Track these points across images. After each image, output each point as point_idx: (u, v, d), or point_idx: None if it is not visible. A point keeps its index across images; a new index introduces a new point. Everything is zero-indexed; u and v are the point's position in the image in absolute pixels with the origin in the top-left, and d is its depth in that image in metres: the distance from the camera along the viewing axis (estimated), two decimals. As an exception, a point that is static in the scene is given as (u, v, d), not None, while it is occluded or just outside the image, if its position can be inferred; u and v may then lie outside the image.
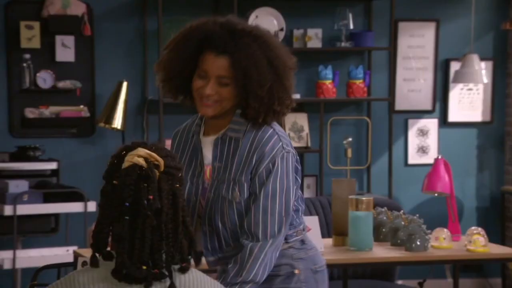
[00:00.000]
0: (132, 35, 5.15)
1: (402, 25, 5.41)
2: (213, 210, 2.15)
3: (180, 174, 1.85)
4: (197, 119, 2.24)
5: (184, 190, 1.92)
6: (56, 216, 4.76)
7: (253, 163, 2.11)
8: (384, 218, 3.80)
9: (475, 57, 5.14)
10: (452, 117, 5.53)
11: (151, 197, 1.77)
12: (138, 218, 1.78)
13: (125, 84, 4.98)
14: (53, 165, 4.80)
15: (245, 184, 2.12)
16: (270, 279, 2.19)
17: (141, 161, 1.81)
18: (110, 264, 1.79)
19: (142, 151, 1.83)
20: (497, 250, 3.82)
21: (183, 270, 1.80)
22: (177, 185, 1.83)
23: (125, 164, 1.81)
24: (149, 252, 1.77)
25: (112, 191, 1.81)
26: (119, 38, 5.14)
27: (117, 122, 4.93)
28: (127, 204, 1.77)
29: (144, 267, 1.76)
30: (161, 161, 1.83)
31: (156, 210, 1.78)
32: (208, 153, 2.17)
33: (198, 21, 2.19)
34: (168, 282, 1.78)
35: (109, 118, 4.93)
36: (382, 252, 3.58)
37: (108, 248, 1.82)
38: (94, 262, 1.80)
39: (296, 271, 2.22)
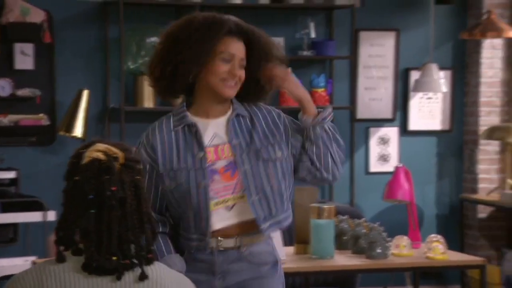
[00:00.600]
0: (93, 42, 5.12)
1: (363, 34, 5.46)
2: (258, 178, 2.29)
3: (139, 166, 1.87)
4: (177, 113, 2.32)
5: (144, 182, 1.94)
6: (15, 225, 4.69)
7: (281, 129, 2.36)
8: (346, 226, 3.82)
9: (434, 67, 5.21)
10: (412, 125, 5.59)
11: (113, 188, 1.79)
12: (103, 210, 1.79)
13: (86, 92, 4.94)
14: (12, 174, 4.73)
15: (282, 143, 2.35)
16: (259, 267, 2.33)
17: (101, 155, 1.83)
18: (79, 259, 1.79)
19: (101, 145, 1.85)
20: (456, 257, 3.87)
21: (148, 261, 1.82)
22: (138, 177, 1.85)
23: (85, 160, 1.83)
24: (117, 244, 1.79)
25: (75, 187, 1.82)
26: (80, 46, 5.10)
27: (78, 130, 4.89)
28: (91, 196, 1.78)
29: (115, 258, 1.76)
30: (120, 154, 1.85)
31: (120, 201, 1.80)
32: (222, 133, 2.31)
33: (209, 16, 2.33)
34: (137, 271, 1.79)
35: (70, 126, 4.89)
36: (343, 260, 3.60)
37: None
38: (60, 258, 1.79)
39: (277, 261, 2.39)
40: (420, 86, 5.29)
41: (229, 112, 2.33)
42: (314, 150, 2.34)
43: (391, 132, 5.56)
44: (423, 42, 5.50)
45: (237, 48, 2.30)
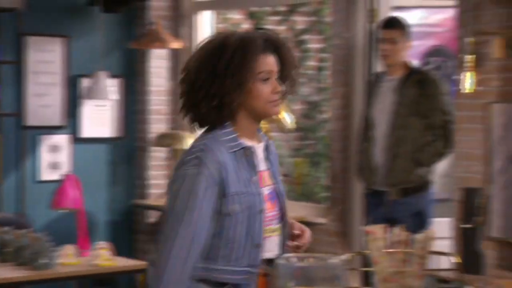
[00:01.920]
0: None
1: (29, 39, 5.32)
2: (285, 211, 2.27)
3: None
4: (228, 134, 2.16)
5: None
6: None
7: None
8: (10, 237, 3.70)
9: (103, 74, 5.26)
10: (84, 133, 5.57)
11: None
12: None
13: None
14: None
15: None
16: None
17: None
18: None
19: None
20: (123, 262, 3.94)
21: None
22: None
23: None
24: None
25: None
26: None
27: None
28: None
29: None
30: None
31: None
32: (261, 160, 2.22)
33: (238, 39, 2.17)
34: None
35: None
36: (5, 273, 3.50)
37: None
38: None
39: None
40: (90, 94, 5.30)
41: (260, 135, 2.26)
42: None
43: (62, 140, 5.49)
44: (93, 50, 5.51)
45: (272, 64, 2.20)
